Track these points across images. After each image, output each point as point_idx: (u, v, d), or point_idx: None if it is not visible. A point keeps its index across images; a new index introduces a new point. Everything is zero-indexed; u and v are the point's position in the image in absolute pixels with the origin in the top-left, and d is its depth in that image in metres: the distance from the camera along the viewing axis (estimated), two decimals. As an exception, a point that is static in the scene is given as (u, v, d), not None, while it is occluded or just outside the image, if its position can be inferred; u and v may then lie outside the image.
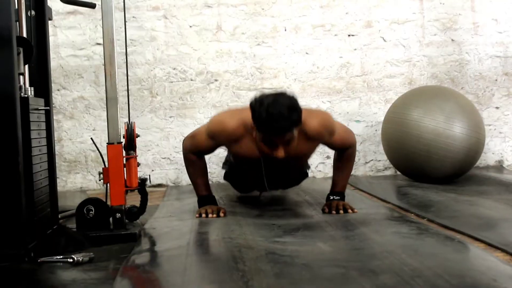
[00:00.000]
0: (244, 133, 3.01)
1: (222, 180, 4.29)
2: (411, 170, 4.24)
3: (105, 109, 2.81)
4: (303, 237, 2.58)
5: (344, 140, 3.21)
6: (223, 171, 3.87)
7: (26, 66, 2.42)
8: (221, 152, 4.04)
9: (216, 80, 4.73)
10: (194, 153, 3.23)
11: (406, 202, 3.47)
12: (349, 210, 3.10)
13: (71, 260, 2.27)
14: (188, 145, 3.25)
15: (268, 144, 2.85)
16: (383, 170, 4.88)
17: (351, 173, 3.38)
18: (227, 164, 3.76)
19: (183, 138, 3.39)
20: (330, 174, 3.37)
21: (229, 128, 3.05)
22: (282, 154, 2.85)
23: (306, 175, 3.79)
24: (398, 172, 4.56)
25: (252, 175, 3.33)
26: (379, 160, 4.87)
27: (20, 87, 2.31)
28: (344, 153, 3.24)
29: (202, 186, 3.25)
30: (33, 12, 2.67)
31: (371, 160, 4.88)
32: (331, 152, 3.41)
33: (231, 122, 3.06)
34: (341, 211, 3.08)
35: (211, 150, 3.27)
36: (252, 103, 2.86)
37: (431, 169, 4.05)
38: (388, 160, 4.58)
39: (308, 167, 3.84)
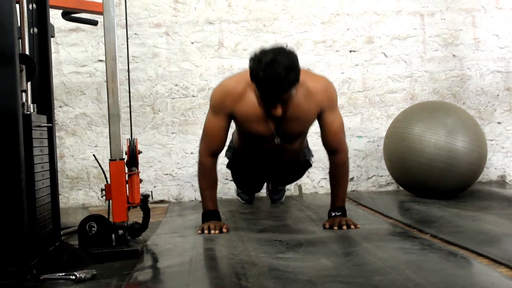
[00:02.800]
0: (246, 87, 3.05)
1: (225, 196, 4.29)
2: (414, 185, 4.23)
3: (107, 126, 2.81)
4: (306, 253, 2.57)
5: (338, 133, 3.19)
6: (226, 186, 3.87)
7: (29, 83, 2.42)
8: (227, 171, 4.04)
9: (218, 96, 4.73)
10: (208, 154, 3.21)
11: (409, 217, 3.46)
12: (352, 226, 3.09)
13: (74, 277, 2.26)
14: (202, 147, 3.24)
15: (266, 102, 2.90)
16: (386, 185, 4.88)
17: (351, 189, 3.37)
18: (230, 151, 3.77)
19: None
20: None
21: (230, 87, 3.13)
22: (279, 112, 2.89)
23: (309, 164, 3.76)
24: (401, 188, 4.56)
25: (255, 156, 3.31)
26: (381, 176, 4.86)
27: (23, 104, 2.31)
28: (336, 161, 3.22)
29: (209, 200, 3.23)
30: (35, 30, 2.68)
31: (373, 175, 4.88)
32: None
33: (230, 82, 3.17)
34: (344, 227, 3.07)
35: (222, 133, 3.20)
36: (251, 60, 2.88)
37: (434, 184, 4.04)
38: (390, 176, 4.58)
39: (311, 155, 3.83)
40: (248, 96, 3.05)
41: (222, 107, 3.14)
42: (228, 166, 3.84)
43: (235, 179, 3.85)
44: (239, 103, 3.10)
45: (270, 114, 2.95)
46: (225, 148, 3.38)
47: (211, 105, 3.19)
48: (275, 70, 2.76)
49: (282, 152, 3.35)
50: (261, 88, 2.85)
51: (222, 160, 3.61)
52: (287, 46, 2.94)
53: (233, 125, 3.28)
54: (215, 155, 3.24)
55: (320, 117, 3.17)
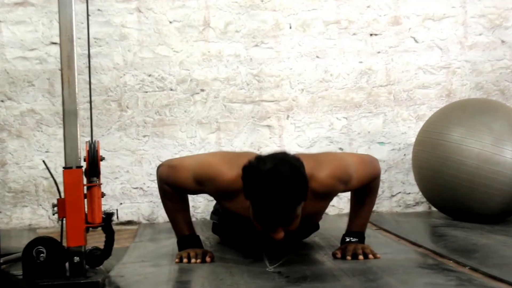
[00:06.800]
0: (240, 188, 2.86)
1: (208, 217, 4.30)
2: (450, 205, 4.24)
3: (62, 126, 2.81)
4: (311, 288, 2.59)
5: (364, 180, 3.18)
6: (211, 204, 3.88)
7: (-38, 69, 2.44)
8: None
9: (202, 90, 4.75)
10: (171, 187, 3.22)
11: (443, 245, 3.47)
12: (370, 255, 3.09)
13: (16, 316, 2.27)
14: (165, 176, 3.23)
15: (264, 225, 2.81)
16: (414, 205, 4.90)
17: (373, 209, 3.38)
18: (216, 214, 3.71)
19: (160, 163, 3.39)
20: (346, 210, 3.38)
21: (224, 180, 2.99)
22: (281, 236, 2.79)
23: (317, 227, 3.72)
24: (433, 208, 4.57)
25: (246, 233, 3.29)
26: (409, 193, 4.88)
27: (-46, 96, 2.33)
28: (369, 185, 3.25)
29: (182, 224, 3.24)
30: (-28, 2, 2.69)
31: (398, 192, 4.90)
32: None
33: (227, 172, 2.98)
34: (360, 256, 3.08)
35: (193, 193, 3.30)
36: (244, 170, 2.78)
37: (475, 204, 4.05)
38: (420, 193, 4.59)
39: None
40: (241, 199, 2.89)
41: (205, 187, 3.12)
42: (214, 231, 3.79)
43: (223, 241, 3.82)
44: (228, 200, 3.06)
45: (268, 236, 2.84)
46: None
47: (196, 172, 3.10)
48: (275, 188, 2.66)
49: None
50: (258, 209, 2.76)
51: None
52: (289, 153, 2.89)
53: None
54: (178, 191, 3.24)
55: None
